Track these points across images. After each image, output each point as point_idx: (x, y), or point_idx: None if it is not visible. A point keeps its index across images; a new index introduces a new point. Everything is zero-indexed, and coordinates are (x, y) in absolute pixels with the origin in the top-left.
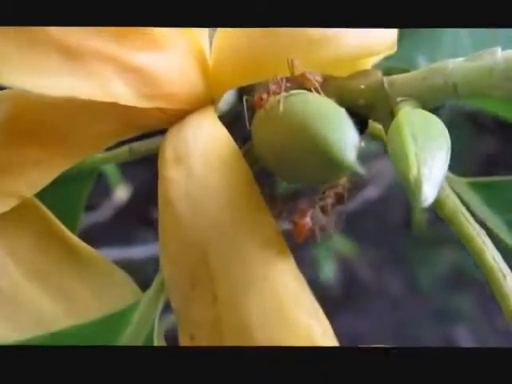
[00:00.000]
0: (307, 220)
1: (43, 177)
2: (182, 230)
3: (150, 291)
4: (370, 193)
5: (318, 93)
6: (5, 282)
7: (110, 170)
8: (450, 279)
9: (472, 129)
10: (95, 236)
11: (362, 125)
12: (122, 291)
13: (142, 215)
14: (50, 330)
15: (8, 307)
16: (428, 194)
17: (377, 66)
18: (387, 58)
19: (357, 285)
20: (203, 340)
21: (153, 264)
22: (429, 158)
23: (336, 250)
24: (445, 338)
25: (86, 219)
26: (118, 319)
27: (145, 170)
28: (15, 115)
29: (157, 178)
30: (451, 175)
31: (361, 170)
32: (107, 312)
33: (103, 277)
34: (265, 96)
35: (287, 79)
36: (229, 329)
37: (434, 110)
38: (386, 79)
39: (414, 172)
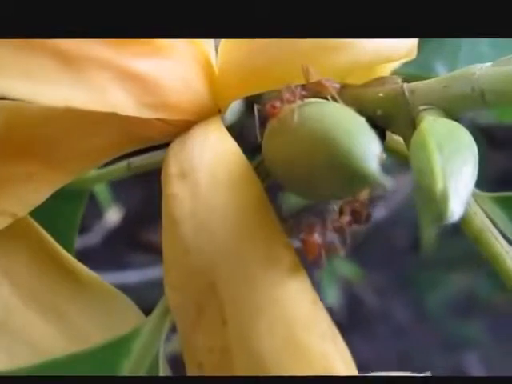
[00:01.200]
0: (316, 237)
1: (37, 193)
2: (186, 252)
3: (154, 316)
4: (376, 213)
5: (336, 101)
6: None
7: (101, 191)
8: (460, 304)
9: (488, 143)
10: (85, 260)
11: (379, 137)
12: (123, 316)
13: (135, 238)
14: (47, 357)
15: (2, 333)
16: (455, 210)
17: (394, 73)
18: (404, 65)
19: (361, 310)
20: (212, 367)
21: (147, 289)
22: (456, 171)
23: (340, 274)
24: (454, 367)
25: (76, 243)
26: (118, 346)
27: (138, 190)
28: (6, 128)
29: (151, 198)
30: (474, 190)
31: (386, 181)
32: (108, 338)
33: (103, 300)
34: (278, 104)
35: (302, 87)
36: (239, 356)
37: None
38: (406, 86)
39: (440, 186)
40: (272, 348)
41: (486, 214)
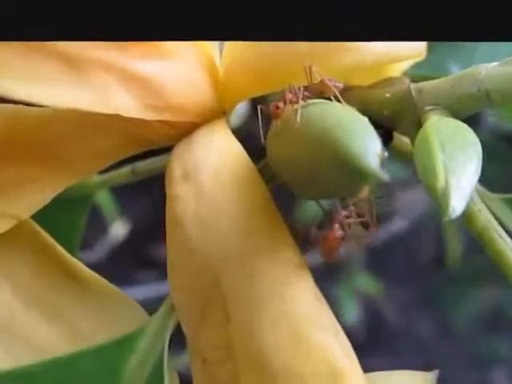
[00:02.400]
0: (337, 230)
1: (41, 195)
2: (190, 253)
3: (159, 315)
4: (397, 225)
5: (339, 101)
6: (1, 308)
7: (105, 203)
8: (488, 321)
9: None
10: None
11: (386, 137)
12: (127, 316)
13: (141, 254)
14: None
15: (4, 335)
16: (456, 206)
17: (405, 75)
18: (416, 66)
19: (383, 328)
20: (216, 363)
21: (154, 307)
22: (458, 169)
23: (360, 289)
24: None
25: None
26: (123, 345)
27: (145, 203)
28: (8, 131)
29: (159, 212)
30: (484, 191)
31: (385, 176)
32: (112, 338)
33: (107, 302)
34: (281, 105)
35: (305, 88)
36: (243, 353)
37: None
38: (413, 86)
39: (441, 183)
40: (275, 343)
41: (494, 215)
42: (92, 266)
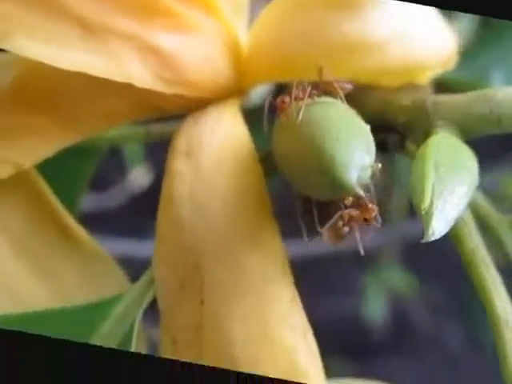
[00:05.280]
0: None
1: (44, 148)
2: (179, 229)
3: (137, 286)
4: None
5: (343, 102)
6: None
7: (130, 146)
8: None
9: None
10: (103, 223)
11: (397, 143)
12: (111, 281)
13: None
14: (26, 309)
15: None
16: (437, 229)
17: (444, 78)
18: (459, 70)
19: (409, 329)
20: (184, 344)
21: None
22: (446, 191)
23: (389, 285)
24: None
25: (95, 201)
26: (99, 309)
27: None
28: (22, 82)
29: None
30: (493, 213)
31: (361, 192)
32: (92, 300)
33: (94, 263)
34: (287, 100)
35: (313, 85)
36: (210, 339)
37: None
38: (430, 99)
39: (426, 203)
40: (243, 337)
41: (501, 238)
42: (108, 211)
